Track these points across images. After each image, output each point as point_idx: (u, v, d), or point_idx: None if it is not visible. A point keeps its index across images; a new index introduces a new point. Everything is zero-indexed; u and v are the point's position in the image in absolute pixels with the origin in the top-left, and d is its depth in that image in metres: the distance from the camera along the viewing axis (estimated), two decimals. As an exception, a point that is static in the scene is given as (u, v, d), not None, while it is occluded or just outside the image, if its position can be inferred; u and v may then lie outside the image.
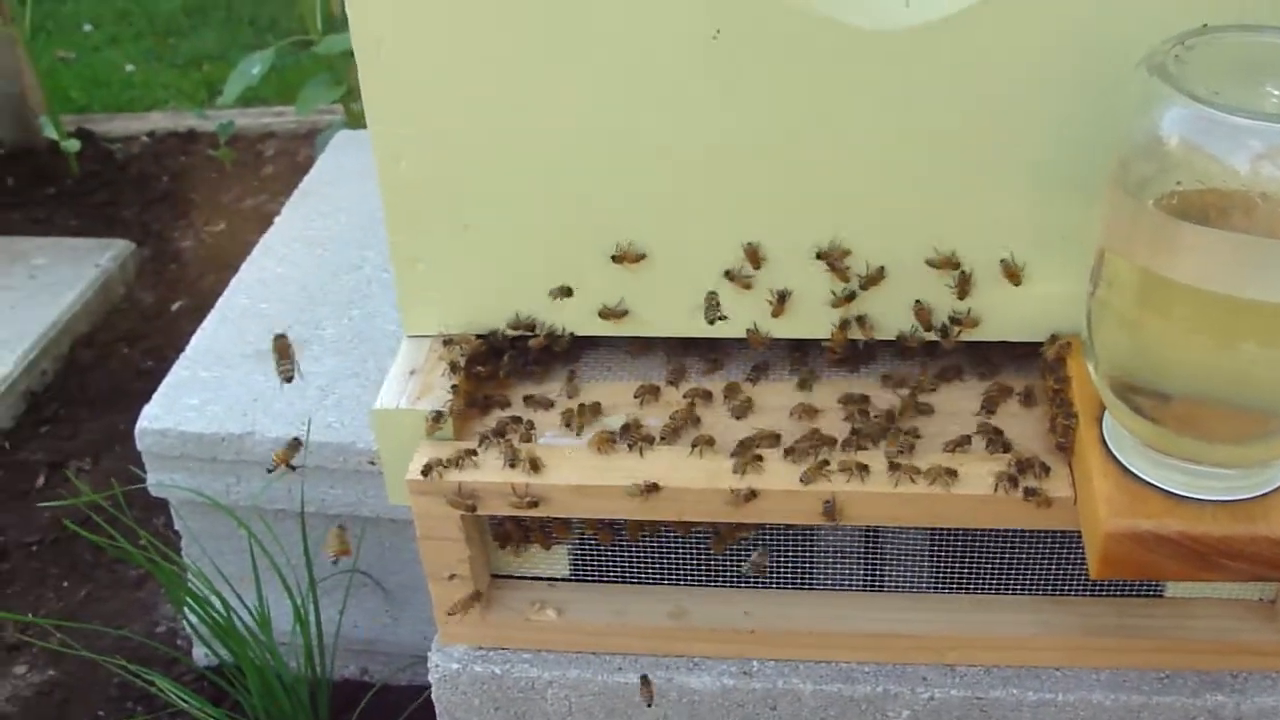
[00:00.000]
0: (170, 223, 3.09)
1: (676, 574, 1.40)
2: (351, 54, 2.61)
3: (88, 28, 4.54)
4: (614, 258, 1.31)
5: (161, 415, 1.71)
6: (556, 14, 1.19)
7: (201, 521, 1.79)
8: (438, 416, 1.28)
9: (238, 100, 3.63)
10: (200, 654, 1.94)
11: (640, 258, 1.31)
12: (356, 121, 2.90)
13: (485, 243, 1.32)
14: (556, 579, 1.42)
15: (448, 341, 1.36)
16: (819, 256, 1.29)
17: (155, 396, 1.75)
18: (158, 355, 2.64)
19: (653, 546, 1.39)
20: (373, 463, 1.64)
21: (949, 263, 1.28)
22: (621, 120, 1.24)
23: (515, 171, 1.28)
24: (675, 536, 1.37)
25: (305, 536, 1.66)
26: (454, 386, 1.32)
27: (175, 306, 2.80)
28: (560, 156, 1.26)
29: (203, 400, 1.73)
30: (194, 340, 1.85)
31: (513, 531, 1.37)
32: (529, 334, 1.36)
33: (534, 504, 1.25)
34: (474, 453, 1.28)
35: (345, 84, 2.70)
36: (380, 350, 1.78)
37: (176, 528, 1.84)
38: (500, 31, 1.21)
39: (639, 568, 1.40)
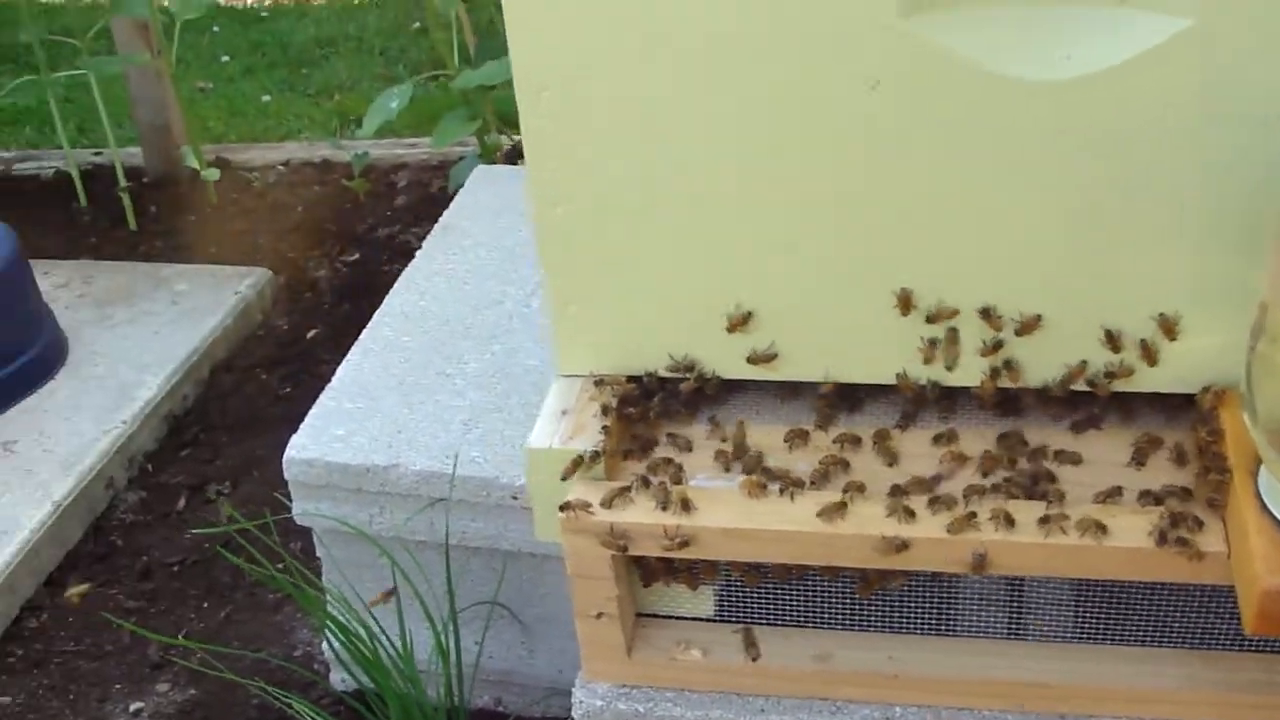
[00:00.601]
0: (305, 251, 3.15)
1: (821, 617, 1.41)
2: (487, 89, 2.65)
3: (225, 59, 4.64)
4: (728, 329, 1.34)
5: (308, 445, 1.75)
6: (717, 65, 1.21)
7: (343, 549, 1.83)
8: (593, 457, 1.30)
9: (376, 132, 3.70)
10: (338, 679, 1.97)
11: (748, 317, 1.33)
12: (489, 154, 2.94)
13: (638, 287, 1.34)
14: (702, 619, 1.43)
15: (599, 383, 1.38)
16: (929, 320, 1.30)
17: (302, 426, 1.79)
18: (294, 382, 2.70)
19: (798, 589, 1.40)
20: (515, 498, 1.66)
21: (1149, 355, 1.28)
22: (779, 169, 1.26)
23: (669, 218, 1.30)
24: (821, 580, 1.38)
25: (449, 567, 1.69)
26: (605, 428, 1.34)
27: (310, 334, 2.85)
28: (716, 204, 1.28)
29: (348, 431, 1.77)
30: (339, 371, 1.89)
31: (660, 571, 1.38)
32: (680, 377, 1.38)
33: (684, 545, 1.27)
34: (626, 493, 1.30)
35: (481, 118, 2.74)
36: (523, 386, 1.80)
37: (318, 554, 1.87)
38: (660, 82, 1.23)
39: (784, 610, 1.41)
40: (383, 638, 1.73)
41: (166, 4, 3.25)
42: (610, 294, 1.35)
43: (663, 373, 1.38)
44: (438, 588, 1.75)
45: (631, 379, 1.39)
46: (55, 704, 2.06)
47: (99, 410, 2.53)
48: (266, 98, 4.28)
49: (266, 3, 5.39)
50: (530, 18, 1.23)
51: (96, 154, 3.65)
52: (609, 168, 1.29)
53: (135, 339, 2.74)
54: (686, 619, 1.43)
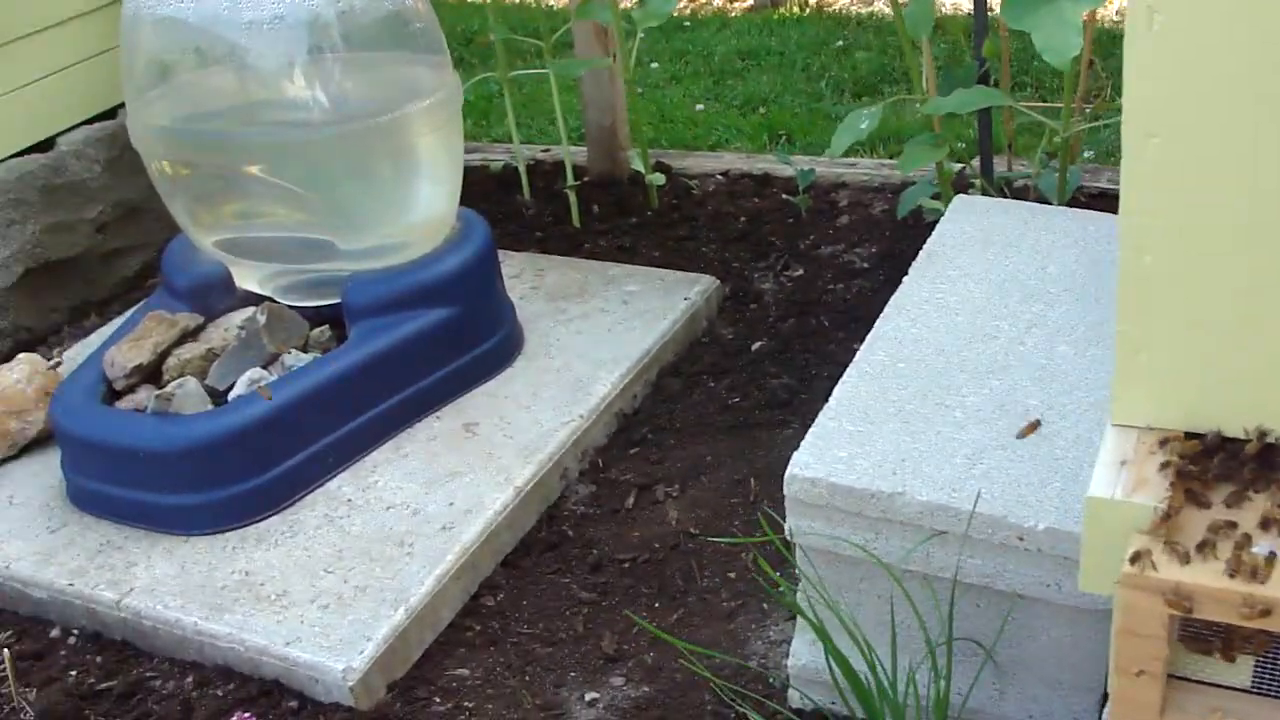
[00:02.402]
0: (749, 263, 3.18)
1: (1367, 702, 1.35)
2: (952, 116, 2.62)
3: (654, 65, 4.76)
4: None
5: (812, 464, 1.77)
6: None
7: (828, 569, 1.84)
8: (1165, 516, 1.28)
9: (804, 148, 3.73)
10: (796, 695, 1.99)
11: None
12: (945, 181, 2.92)
13: (1214, 343, 1.31)
14: (1237, 688, 1.39)
15: (1164, 441, 1.35)
16: None
17: (804, 445, 1.81)
18: (741, 393, 2.73)
19: (1347, 670, 1.34)
20: (1021, 539, 1.65)
21: None
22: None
23: (1259, 277, 1.26)
24: (1374, 664, 1.32)
25: (952, 603, 1.68)
26: (1172, 484, 1.31)
27: (755, 346, 2.88)
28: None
29: (850, 454, 1.78)
30: (836, 392, 1.90)
31: (1206, 636, 1.35)
32: (1246, 439, 1.34)
33: (1265, 613, 1.23)
34: (1191, 555, 1.27)
35: (947, 146, 2.72)
36: (1023, 425, 1.78)
37: (798, 570, 1.89)
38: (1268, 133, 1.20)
39: (1327, 690, 1.36)
40: (859, 659, 1.74)
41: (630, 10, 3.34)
42: (1185, 348, 1.32)
43: (1228, 432, 1.35)
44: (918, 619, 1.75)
45: (1191, 435, 1.36)
46: (512, 683, 2.13)
47: (556, 402, 2.63)
48: (699, 107, 4.36)
49: (688, 13, 5.51)
50: (1151, 63, 1.22)
51: (545, 150, 3.79)
52: (1206, 223, 1.26)
53: (589, 335, 2.83)
54: (1221, 686, 1.39)
